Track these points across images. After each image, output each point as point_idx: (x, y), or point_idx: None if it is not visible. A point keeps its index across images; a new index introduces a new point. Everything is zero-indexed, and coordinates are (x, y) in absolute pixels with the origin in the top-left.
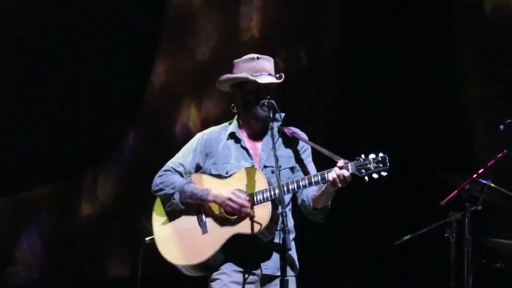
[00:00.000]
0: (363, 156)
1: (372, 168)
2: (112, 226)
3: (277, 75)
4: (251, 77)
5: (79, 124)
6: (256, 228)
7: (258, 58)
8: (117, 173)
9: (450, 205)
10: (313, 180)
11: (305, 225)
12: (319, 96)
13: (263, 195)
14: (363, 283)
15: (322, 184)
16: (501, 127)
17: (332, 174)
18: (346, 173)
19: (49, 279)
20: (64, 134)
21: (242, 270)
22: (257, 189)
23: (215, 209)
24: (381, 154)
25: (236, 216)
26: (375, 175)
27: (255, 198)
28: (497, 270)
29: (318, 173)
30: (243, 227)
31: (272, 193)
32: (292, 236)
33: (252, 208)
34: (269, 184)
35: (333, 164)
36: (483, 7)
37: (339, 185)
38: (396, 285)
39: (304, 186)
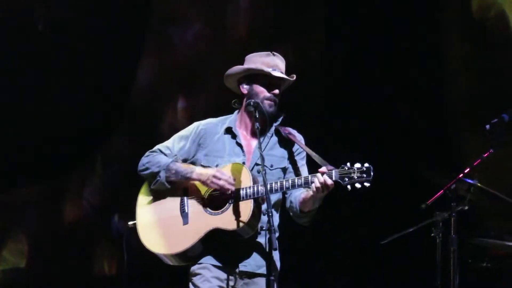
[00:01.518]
0: (348, 164)
1: (356, 177)
2: (99, 226)
3: (294, 76)
4: (265, 69)
5: (66, 124)
6: (236, 224)
7: (274, 54)
8: (104, 173)
9: (436, 204)
10: (296, 182)
11: (291, 225)
12: (306, 93)
13: (246, 191)
14: (349, 283)
15: (305, 188)
16: (487, 126)
17: (314, 181)
18: (329, 180)
19: (36, 278)
20: (51, 134)
21: (221, 265)
22: (241, 185)
23: (200, 191)
24: (366, 165)
25: (219, 210)
26: (358, 185)
27: (237, 193)
28: (483, 269)
29: (302, 176)
30: (224, 222)
31: (255, 190)
32: (276, 235)
33: (235, 203)
34: (254, 182)
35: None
36: (469, 7)
37: (321, 191)
38: (382, 284)
39: (287, 188)
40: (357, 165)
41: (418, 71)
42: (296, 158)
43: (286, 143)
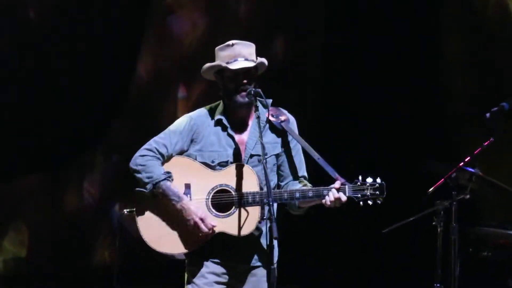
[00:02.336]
0: (360, 178)
1: (369, 194)
2: (99, 216)
3: (256, 60)
4: (223, 64)
5: (66, 115)
6: (243, 230)
7: (233, 44)
8: (104, 164)
9: (437, 194)
10: (307, 194)
11: (291, 215)
12: (303, 84)
13: (254, 197)
14: (351, 271)
15: (316, 198)
16: (487, 115)
17: (329, 197)
18: (343, 197)
19: (36, 268)
20: (51, 125)
21: (219, 261)
22: (247, 189)
23: (205, 190)
24: (379, 181)
25: (225, 213)
26: (370, 202)
27: (244, 199)
28: (484, 258)
29: (314, 189)
30: (230, 226)
31: (263, 197)
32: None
33: (242, 207)
34: (261, 187)
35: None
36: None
37: (333, 206)
38: (383, 273)
39: (298, 199)
40: (369, 180)
41: (418, 61)
42: (290, 144)
43: (277, 128)
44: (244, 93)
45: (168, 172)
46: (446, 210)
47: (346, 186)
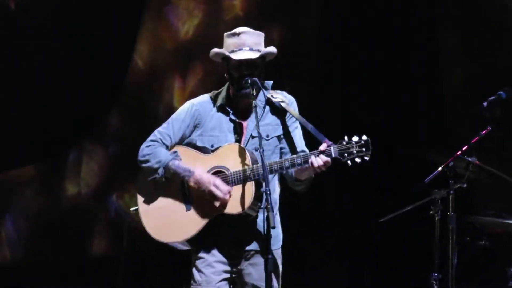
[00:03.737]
0: (346, 138)
1: (355, 152)
2: (97, 205)
3: (259, 50)
4: (226, 53)
5: (63, 103)
6: (240, 207)
7: (239, 33)
8: (101, 153)
9: (434, 182)
10: (296, 161)
11: (290, 203)
12: (301, 73)
13: (247, 173)
14: (348, 260)
15: (304, 164)
16: (485, 104)
17: (314, 161)
18: (328, 160)
19: (33, 258)
20: (48, 114)
21: (225, 249)
22: (241, 167)
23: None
24: (364, 137)
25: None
26: (358, 160)
27: (238, 176)
28: (482, 247)
29: (301, 154)
30: (228, 207)
31: (255, 172)
32: (276, 207)
33: (236, 186)
34: (253, 162)
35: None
36: None
37: (320, 170)
38: (381, 262)
39: (287, 168)
40: (355, 138)
41: (413, 51)
42: (288, 122)
43: (278, 109)
44: (247, 84)
45: (175, 152)
46: (443, 199)
47: (332, 147)
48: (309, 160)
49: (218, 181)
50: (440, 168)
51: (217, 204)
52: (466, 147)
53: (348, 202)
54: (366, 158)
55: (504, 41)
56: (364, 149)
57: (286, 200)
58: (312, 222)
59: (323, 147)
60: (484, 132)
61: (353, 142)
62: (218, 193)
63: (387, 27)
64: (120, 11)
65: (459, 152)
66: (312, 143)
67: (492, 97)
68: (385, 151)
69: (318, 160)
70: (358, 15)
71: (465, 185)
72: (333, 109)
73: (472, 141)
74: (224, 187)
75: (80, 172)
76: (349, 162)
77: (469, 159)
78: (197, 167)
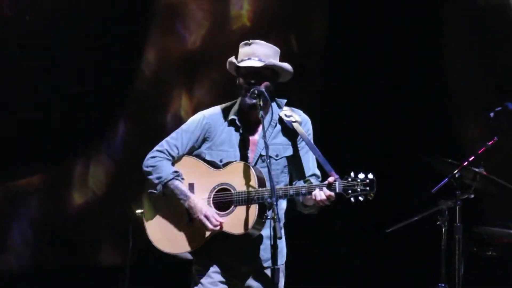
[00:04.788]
0: (352, 174)
1: (359, 190)
2: (103, 214)
3: (266, 61)
4: (233, 60)
5: (70, 112)
6: (241, 228)
7: (251, 43)
8: (108, 162)
9: (441, 193)
10: (300, 191)
11: (296, 214)
12: (307, 84)
13: (251, 196)
14: (355, 271)
15: (309, 195)
16: (491, 114)
17: (318, 194)
18: (332, 194)
19: (40, 267)
20: (55, 122)
21: (227, 261)
22: (246, 188)
23: (207, 189)
24: (370, 176)
25: (224, 212)
26: (361, 198)
27: (242, 197)
28: (488, 257)
29: (307, 185)
30: (229, 225)
31: (260, 195)
32: (281, 223)
33: (240, 206)
34: (260, 184)
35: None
36: None
37: (324, 204)
38: (387, 272)
39: (291, 196)
40: (361, 176)
41: (420, 59)
42: (301, 144)
43: (290, 130)
44: (254, 94)
45: (176, 171)
46: (450, 209)
47: (337, 183)
48: (313, 193)
49: (209, 212)
50: (447, 179)
51: (207, 233)
52: (472, 157)
53: (354, 213)
54: (370, 197)
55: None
56: (368, 188)
57: (291, 213)
58: (318, 233)
59: (330, 179)
60: (491, 142)
61: (359, 180)
62: (207, 224)
63: (393, 36)
64: (127, 20)
65: (466, 163)
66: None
67: (499, 108)
68: (392, 160)
69: (321, 195)
70: (363, 25)
71: (472, 196)
72: (338, 118)
73: (479, 152)
74: (215, 219)
75: (87, 181)
76: (352, 199)
77: (476, 169)
78: (200, 185)
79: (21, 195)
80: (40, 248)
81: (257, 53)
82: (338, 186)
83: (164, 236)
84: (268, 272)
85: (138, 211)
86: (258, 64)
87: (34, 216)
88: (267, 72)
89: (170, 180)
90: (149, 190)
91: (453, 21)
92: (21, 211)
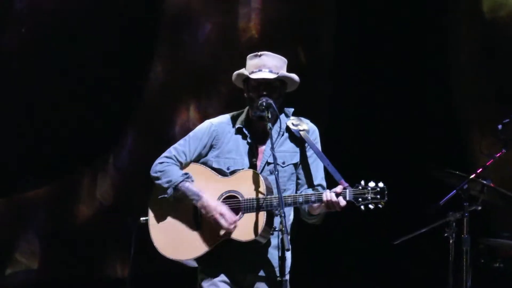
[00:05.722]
0: (362, 183)
1: (370, 198)
2: (111, 226)
3: (279, 73)
4: (245, 72)
5: (78, 124)
6: (249, 235)
7: (261, 55)
8: (116, 173)
9: (449, 205)
10: (310, 199)
11: (302, 225)
12: (316, 95)
13: (259, 203)
14: (362, 283)
15: (318, 202)
16: (500, 126)
17: (328, 200)
18: (342, 202)
19: (48, 279)
20: (62, 134)
21: (232, 271)
22: (255, 195)
23: (214, 196)
24: (380, 185)
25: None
26: (371, 206)
27: (251, 204)
28: (496, 270)
29: (316, 193)
30: (237, 233)
31: (269, 203)
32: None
33: (248, 213)
34: (268, 191)
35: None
36: (480, 7)
37: (333, 209)
38: (395, 284)
39: (301, 203)
40: (371, 184)
41: (428, 71)
42: (308, 153)
43: (297, 137)
44: (262, 106)
45: (186, 173)
46: (458, 221)
47: (347, 190)
48: (323, 198)
49: (224, 209)
50: (455, 191)
51: (221, 232)
52: (480, 169)
53: (361, 224)
54: (380, 206)
55: None
56: (379, 196)
57: (296, 223)
58: (324, 244)
59: (339, 189)
60: (499, 154)
61: (369, 188)
62: (222, 222)
63: (400, 49)
64: (137, 31)
65: (474, 175)
66: (327, 179)
67: (507, 120)
68: (400, 172)
69: (332, 196)
70: (371, 37)
71: (480, 208)
72: (346, 129)
73: (487, 164)
74: (230, 217)
75: (95, 194)
76: (362, 207)
77: (484, 181)
78: (208, 191)
79: (29, 207)
80: (48, 260)
81: (268, 65)
82: (348, 194)
83: (170, 242)
84: (274, 282)
85: (143, 218)
86: (270, 76)
87: (42, 227)
88: (277, 83)
89: (181, 182)
90: (160, 196)
91: (461, 34)
92: (29, 223)
